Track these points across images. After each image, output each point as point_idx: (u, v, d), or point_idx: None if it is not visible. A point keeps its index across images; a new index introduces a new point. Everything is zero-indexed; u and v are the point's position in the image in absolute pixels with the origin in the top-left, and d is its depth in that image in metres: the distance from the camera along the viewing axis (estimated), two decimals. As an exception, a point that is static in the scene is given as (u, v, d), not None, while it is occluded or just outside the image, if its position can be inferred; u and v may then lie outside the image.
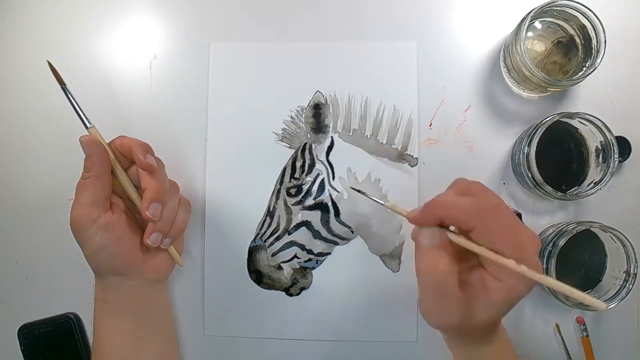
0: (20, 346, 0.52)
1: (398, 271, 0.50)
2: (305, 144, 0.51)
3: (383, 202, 0.39)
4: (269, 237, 0.51)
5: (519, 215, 0.49)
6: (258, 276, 0.51)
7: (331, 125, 0.51)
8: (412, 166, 0.51)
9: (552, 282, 0.31)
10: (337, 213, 0.51)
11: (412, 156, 0.51)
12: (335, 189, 0.51)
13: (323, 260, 0.51)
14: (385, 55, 0.51)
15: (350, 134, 0.51)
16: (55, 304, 0.53)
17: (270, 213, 0.51)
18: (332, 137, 0.51)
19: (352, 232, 0.51)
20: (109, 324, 0.46)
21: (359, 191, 0.43)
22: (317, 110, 0.51)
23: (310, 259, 0.51)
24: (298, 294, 0.51)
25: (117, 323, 0.46)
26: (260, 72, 0.52)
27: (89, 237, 0.42)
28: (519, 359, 0.40)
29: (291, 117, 0.51)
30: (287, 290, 0.51)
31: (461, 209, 0.32)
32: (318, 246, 0.51)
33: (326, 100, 0.51)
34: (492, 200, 0.34)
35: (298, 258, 0.51)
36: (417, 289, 0.34)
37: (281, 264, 0.51)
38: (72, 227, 0.42)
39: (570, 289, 0.31)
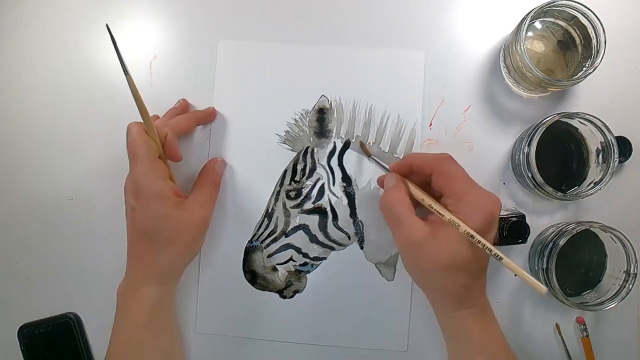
0: (20, 346, 0.52)
1: (392, 280, 0.50)
2: (308, 147, 0.51)
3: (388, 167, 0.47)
4: (265, 239, 0.51)
5: (523, 217, 0.48)
6: (253, 276, 0.51)
7: (334, 131, 0.51)
8: None
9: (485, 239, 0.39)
10: (335, 218, 0.51)
11: None
12: (334, 195, 0.51)
13: (318, 265, 0.51)
14: (392, 63, 0.51)
15: (353, 140, 0.51)
16: (55, 304, 0.53)
17: (268, 214, 0.51)
18: (334, 142, 0.51)
19: (349, 238, 0.51)
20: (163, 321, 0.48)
21: (369, 157, 0.49)
22: (321, 114, 0.51)
23: (305, 263, 0.51)
24: (291, 296, 0.51)
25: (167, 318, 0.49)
26: (267, 72, 0.52)
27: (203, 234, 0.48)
28: (504, 339, 0.42)
29: (295, 120, 0.51)
30: (281, 293, 0.51)
31: (424, 157, 0.44)
32: (314, 250, 0.51)
33: (331, 105, 0.51)
34: (449, 155, 0.43)
35: (293, 261, 0.51)
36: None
37: (276, 266, 0.51)
38: (203, 226, 0.47)
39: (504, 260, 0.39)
